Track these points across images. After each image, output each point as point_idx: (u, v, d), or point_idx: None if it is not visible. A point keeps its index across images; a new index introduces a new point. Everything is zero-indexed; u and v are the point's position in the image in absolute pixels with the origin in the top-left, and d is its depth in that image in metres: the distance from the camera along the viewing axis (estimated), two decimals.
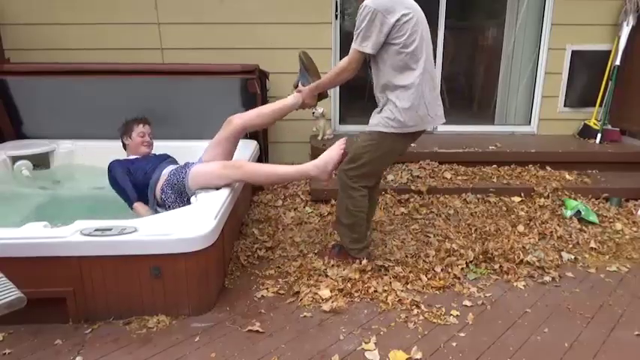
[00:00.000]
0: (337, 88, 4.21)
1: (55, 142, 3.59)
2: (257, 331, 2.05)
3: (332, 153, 2.45)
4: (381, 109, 2.41)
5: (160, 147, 3.63)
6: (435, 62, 4.28)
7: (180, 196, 2.58)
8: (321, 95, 2.69)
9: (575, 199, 3.36)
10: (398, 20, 2.22)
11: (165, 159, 2.96)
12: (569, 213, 3.19)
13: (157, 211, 2.65)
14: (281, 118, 2.76)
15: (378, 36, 2.23)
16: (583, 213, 3.15)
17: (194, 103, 3.61)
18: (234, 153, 2.84)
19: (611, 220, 3.20)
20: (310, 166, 2.47)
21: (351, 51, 2.34)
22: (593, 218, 3.15)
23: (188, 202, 2.53)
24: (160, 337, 2.02)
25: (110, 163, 2.85)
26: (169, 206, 2.60)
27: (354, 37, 2.30)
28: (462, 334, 2.05)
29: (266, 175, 2.43)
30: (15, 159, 3.37)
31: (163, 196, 2.63)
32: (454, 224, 3.10)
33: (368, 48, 2.27)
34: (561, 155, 3.82)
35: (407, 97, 2.30)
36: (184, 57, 3.94)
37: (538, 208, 3.31)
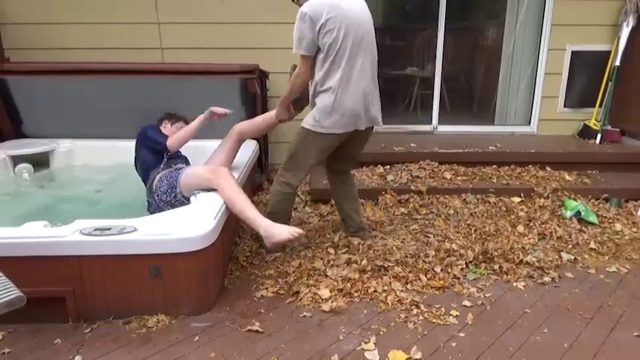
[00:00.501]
0: None
1: (54, 142, 3.59)
2: (256, 331, 2.05)
3: (283, 233, 2.39)
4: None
5: None
6: (435, 62, 4.33)
7: (170, 189, 2.62)
8: (299, 105, 2.76)
9: (574, 199, 3.36)
10: (323, 24, 2.31)
11: (184, 160, 2.99)
12: (568, 213, 3.19)
13: (148, 196, 2.77)
14: (272, 129, 3.06)
15: (309, 38, 2.33)
16: (583, 214, 3.15)
17: (194, 103, 3.59)
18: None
19: (610, 220, 3.20)
20: (263, 226, 2.42)
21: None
22: (593, 219, 3.15)
23: (175, 200, 2.60)
24: (159, 337, 2.02)
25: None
26: (158, 196, 2.65)
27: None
28: (462, 334, 2.05)
29: (230, 202, 2.43)
30: (15, 159, 3.37)
31: (158, 184, 2.67)
32: (454, 224, 3.10)
33: (302, 49, 2.37)
34: (561, 156, 3.82)
35: (325, 99, 2.42)
36: (184, 57, 3.94)
37: (538, 208, 3.31)
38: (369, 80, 2.48)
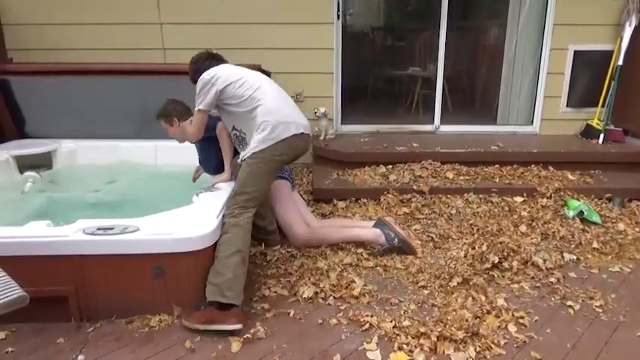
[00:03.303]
0: (339, 88, 4.22)
1: (57, 142, 3.59)
2: (258, 331, 2.05)
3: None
4: None
5: (163, 147, 3.64)
6: (437, 62, 4.33)
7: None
8: None
9: (577, 199, 3.35)
10: None
11: None
12: (571, 213, 3.18)
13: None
14: None
15: None
16: (585, 213, 3.14)
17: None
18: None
19: (614, 220, 3.18)
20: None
21: None
22: (596, 218, 3.14)
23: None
24: (161, 336, 2.02)
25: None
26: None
27: None
28: None
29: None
30: (18, 159, 3.36)
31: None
32: (456, 224, 3.10)
33: None
34: (564, 155, 3.81)
35: None
36: (186, 57, 3.90)
37: (540, 208, 3.30)
38: None
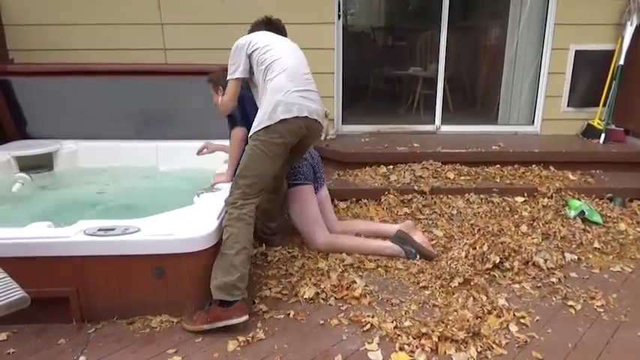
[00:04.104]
0: (339, 88, 4.22)
1: (58, 143, 3.60)
2: (260, 331, 2.05)
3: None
4: None
5: (164, 147, 3.65)
6: (438, 62, 4.33)
7: None
8: None
9: (578, 199, 3.35)
10: None
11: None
12: (572, 213, 3.17)
13: None
14: None
15: None
16: (587, 213, 3.13)
17: (196, 104, 3.62)
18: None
19: (615, 220, 3.18)
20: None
21: None
22: (597, 219, 3.13)
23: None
24: (163, 337, 2.02)
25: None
26: None
27: None
28: None
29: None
30: (19, 160, 3.37)
31: None
32: (457, 224, 3.10)
33: None
34: (565, 155, 3.81)
35: None
36: (187, 57, 3.95)
37: (541, 208, 3.30)
38: None
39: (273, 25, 2.55)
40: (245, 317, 2.03)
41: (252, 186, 2.23)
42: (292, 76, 2.30)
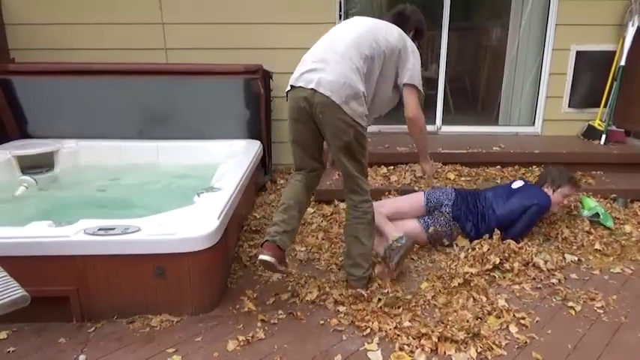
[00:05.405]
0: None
1: (59, 142, 3.60)
2: (260, 331, 2.05)
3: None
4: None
5: (165, 147, 3.65)
6: (439, 62, 4.33)
7: None
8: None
9: (592, 198, 3.27)
10: None
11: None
12: (586, 213, 3.12)
13: None
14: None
15: None
16: (601, 217, 3.07)
17: (198, 103, 3.63)
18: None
19: (621, 222, 3.14)
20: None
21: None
22: (610, 224, 3.06)
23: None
24: (163, 336, 2.02)
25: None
26: None
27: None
28: None
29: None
30: (20, 159, 3.37)
31: None
32: None
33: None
34: (565, 156, 3.80)
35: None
36: (188, 57, 3.95)
37: None
38: None
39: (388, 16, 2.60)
40: (264, 256, 2.13)
41: (292, 154, 2.36)
42: (317, 47, 2.27)
